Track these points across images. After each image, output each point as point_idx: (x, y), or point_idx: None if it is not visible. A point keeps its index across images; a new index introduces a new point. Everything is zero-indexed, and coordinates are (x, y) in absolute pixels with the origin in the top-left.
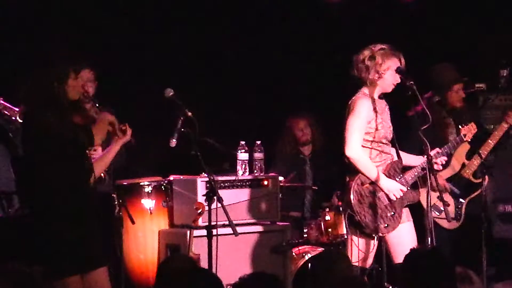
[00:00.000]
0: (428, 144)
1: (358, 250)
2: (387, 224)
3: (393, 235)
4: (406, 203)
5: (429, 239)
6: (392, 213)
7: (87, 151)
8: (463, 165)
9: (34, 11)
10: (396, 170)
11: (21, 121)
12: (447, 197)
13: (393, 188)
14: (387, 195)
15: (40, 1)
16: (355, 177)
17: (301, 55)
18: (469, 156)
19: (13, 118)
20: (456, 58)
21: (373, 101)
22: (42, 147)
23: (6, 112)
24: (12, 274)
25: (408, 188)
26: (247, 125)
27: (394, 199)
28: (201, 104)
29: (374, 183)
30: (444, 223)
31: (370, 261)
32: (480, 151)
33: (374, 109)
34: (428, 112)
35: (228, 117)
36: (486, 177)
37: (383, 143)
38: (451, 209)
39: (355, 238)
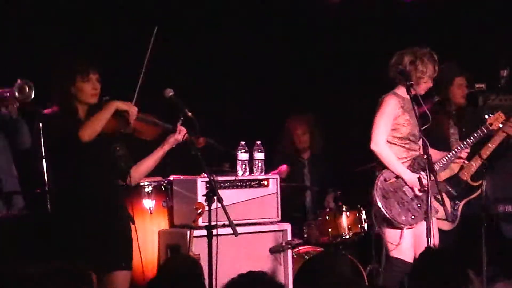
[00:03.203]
0: (428, 144)
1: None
2: (414, 216)
3: (417, 228)
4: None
5: (429, 239)
6: (419, 204)
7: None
8: (462, 167)
9: (34, 11)
10: (421, 165)
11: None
12: (444, 198)
13: (416, 182)
14: (412, 189)
15: (40, 1)
16: (379, 175)
17: (301, 55)
18: (468, 158)
19: (11, 104)
20: (456, 58)
21: (402, 99)
22: (56, 149)
23: (6, 95)
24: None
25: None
26: (247, 125)
27: (418, 193)
28: (201, 104)
29: (398, 178)
30: (440, 224)
31: (410, 253)
32: (480, 153)
33: (402, 107)
34: (428, 113)
35: (228, 117)
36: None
37: (410, 140)
38: (448, 210)
39: (387, 230)
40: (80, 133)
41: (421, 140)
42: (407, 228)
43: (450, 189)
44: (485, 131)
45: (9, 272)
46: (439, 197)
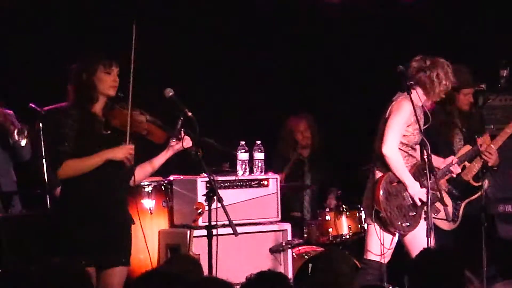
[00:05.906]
0: (428, 144)
1: (381, 245)
2: (409, 223)
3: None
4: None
5: (429, 239)
6: (414, 213)
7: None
8: (464, 167)
9: (34, 11)
10: (421, 172)
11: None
12: (446, 198)
13: (419, 193)
14: (411, 196)
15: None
16: (385, 175)
17: (301, 55)
18: (470, 159)
19: (18, 125)
20: (456, 58)
21: (416, 107)
22: (55, 147)
23: (10, 127)
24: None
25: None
26: (247, 125)
27: (419, 203)
28: (201, 104)
29: (401, 183)
30: (441, 224)
31: (388, 258)
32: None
33: (415, 115)
34: (428, 113)
35: (228, 117)
36: (486, 180)
37: (412, 148)
38: (449, 210)
39: (380, 231)
40: (60, 171)
41: (418, 146)
42: (400, 234)
43: (452, 190)
44: (478, 152)
45: (10, 271)
46: (439, 196)
